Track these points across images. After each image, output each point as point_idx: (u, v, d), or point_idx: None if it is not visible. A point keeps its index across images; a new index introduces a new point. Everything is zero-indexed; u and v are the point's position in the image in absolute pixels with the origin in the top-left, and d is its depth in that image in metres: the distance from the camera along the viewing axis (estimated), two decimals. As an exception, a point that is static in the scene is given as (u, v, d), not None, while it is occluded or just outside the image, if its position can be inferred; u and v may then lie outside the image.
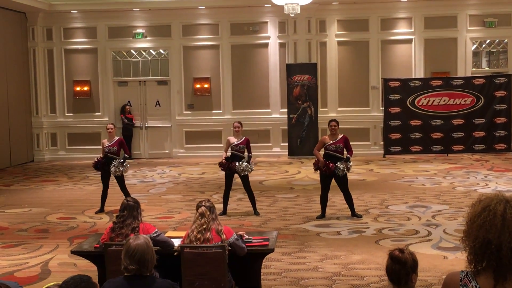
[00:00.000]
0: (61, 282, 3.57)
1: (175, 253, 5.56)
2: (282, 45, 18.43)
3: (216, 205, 10.43)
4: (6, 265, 7.85)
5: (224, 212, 10.52)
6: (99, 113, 18.98)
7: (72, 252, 6.28)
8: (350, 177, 13.78)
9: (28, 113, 18.84)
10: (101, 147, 11.27)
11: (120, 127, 18.66)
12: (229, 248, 5.59)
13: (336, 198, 11.56)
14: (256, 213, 10.49)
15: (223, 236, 5.58)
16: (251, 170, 10.49)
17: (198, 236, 5.52)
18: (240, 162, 10.31)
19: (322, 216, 10.16)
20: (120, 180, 11.03)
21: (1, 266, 7.78)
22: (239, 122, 10.69)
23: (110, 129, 11.08)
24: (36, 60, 18.88)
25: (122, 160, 10.89)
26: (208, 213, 5.63)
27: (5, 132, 17.58)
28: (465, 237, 2.83)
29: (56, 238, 9.25)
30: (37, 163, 18.41)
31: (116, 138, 11.13)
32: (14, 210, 11.48)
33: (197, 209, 5.73)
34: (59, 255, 8.23)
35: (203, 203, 5.75)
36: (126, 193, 10.91)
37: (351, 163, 10.16)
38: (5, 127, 17.58)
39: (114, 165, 10.82)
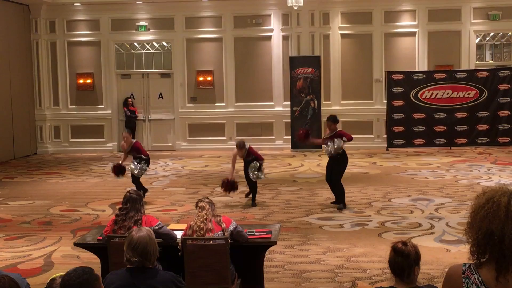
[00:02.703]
0: (64, 274, 3.58)
1: (179, 253, 5.56)
2: (285, 38, 18.39)
3: (218, 198, 10.49)
4: (10, 257, 7.87)
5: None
6: (102, 106, 18.99)
7: (75, 244, 6.29)
8: (353, 170, 13.83)
9: (31, 105, 18.85)
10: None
11: (123, 120, 18.72)
12: (231, 239, 5.60)
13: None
14: (253, 204, 10.54)
15: (223, 225, 5.63)
16: (259, 177, 10.56)
17: (201, 226, 5.57)
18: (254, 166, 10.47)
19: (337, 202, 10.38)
20: (136, 178, 11.06)
21: (5, 258, 7.81)
22: (241, 143, 10.67)
23: (125, 137, 11.10)
24: (39, 53, 18.88)
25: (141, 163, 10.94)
26: (208, 206, 5.72)
27: (8, 124, 17.60)
28: (468, 229, 2.83)
29: (59, 230, 9.27)
30: (41, 156, 18.44)
31: (133, 142, 11.15)
32: (17, 202, 11.50)
33: (196, 205, 5.81)
34: (62, 247, 8.25)
35: (202, 200, 5.84)
36: (143, 189, 10.95)
37: (341, 142, 9.99)
38: (8, 120, 17.60)
39: (135, 167, 10.88)
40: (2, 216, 10.37)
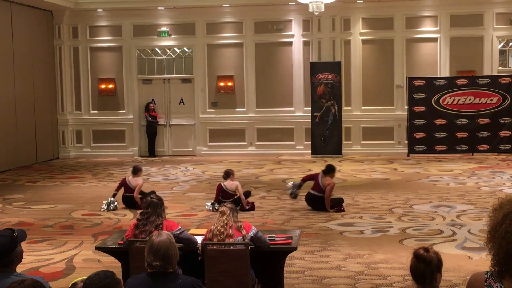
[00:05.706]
0: (86, 278, 3.61)
1: (199, 258, 5.57)
2: (306, 44, 18.38)
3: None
4: (32, 261, 7.94)
5: None
6: (124, 111, 19.11)
7: (97, 248, 6.33)
8: (374, 176, 13.82)
9: (53, 110, 19.03)
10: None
11: (144, 125, 18.83)
12: (251, 244, 5.60)
13: (359, 197, 11.54)
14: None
15: (243, 232, 5.64)
16: None
17: (222, 230, 5.59)
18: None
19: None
20: None
21: (27, 262, 7.86)
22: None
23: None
24: (62, 58, 19.06)
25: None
26: (228, 212, 5.73)
27: (31, 129, 17.79)
28: (489, 242, 2.81)
29: (80, 234, 9.33)
30: (63, 160, 18.60)
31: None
32: (39, 206, 11.61)
33: (218, 210, 5.87)
34: (84, 251, 8.31)
35: (224, 204, 5.85)
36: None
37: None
38: (31, 124, 17.78)
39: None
40: (25, 219, 10.47)
